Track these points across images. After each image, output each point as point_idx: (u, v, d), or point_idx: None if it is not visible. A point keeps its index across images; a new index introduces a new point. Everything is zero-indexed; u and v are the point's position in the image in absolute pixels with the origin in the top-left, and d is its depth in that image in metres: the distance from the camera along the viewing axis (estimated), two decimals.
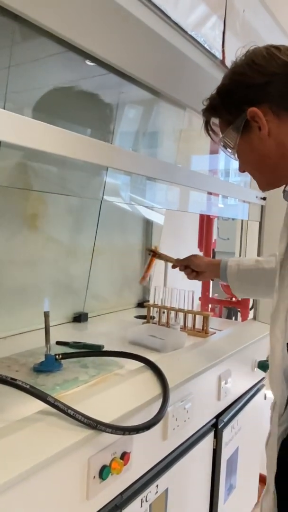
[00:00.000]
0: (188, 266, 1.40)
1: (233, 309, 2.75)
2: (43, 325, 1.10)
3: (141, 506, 1.00)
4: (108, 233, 1.86)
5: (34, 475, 0.69)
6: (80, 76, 1.28)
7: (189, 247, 2.15)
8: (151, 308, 1.72)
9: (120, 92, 1.44)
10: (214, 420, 1.36)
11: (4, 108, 0.74)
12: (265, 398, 1.80)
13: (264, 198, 1.83)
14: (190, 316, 1.62)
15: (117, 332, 1.55)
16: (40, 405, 0.81)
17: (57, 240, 1.63)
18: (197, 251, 2.24)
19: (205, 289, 2.20)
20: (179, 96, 1.25)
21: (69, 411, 0.78)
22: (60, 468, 0.75)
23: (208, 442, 1.33)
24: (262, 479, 1.94)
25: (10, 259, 1.44)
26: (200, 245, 2.30)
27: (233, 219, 3.47)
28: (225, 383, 1.38)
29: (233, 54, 1.25)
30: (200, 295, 2.20)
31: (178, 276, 1.87)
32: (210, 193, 1.74)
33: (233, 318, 2.77)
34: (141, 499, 1.00)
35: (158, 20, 1.05)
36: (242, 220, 2.18)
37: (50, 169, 1.42)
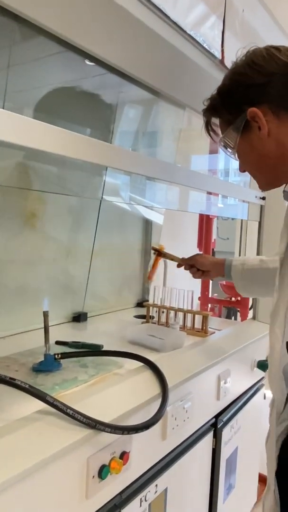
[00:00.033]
0: (193, 265, 1.42)
1: (232, 308, 2.75)
2: (43, 325, 1.10)
3: (140, 505, 1.00)
4: (108, 232, 1.86)
5: (33, 475, 0.69)
6: (79, 76, 1.28)
7: (188, 246, 2.15)
8: (151, 308, 1.72)
9: (119, 91, 1.44)
10: (214, 419, 1.37)
11: (3, 108, 0.74)
12: (264, 397, 1.80)
13: (263, 198, 1.83)
14: (189, 316, 1.62)
15: (116, 331, 1.55)
16: (39, 404, 0.81)
17: (56, 239, 1.63)
18: (196, 251, 2.24)
19: (204, 288, 2.20)
20: (178, 95, 1.25)
21: (68, 410, 0.78)
22: (59, 468, 0.75)
23: (207, 441, 1.33)
24: (261, 479, 1.94)
25: (9, 259, 1.44)
26: (199, 245, 2.30)
27: (232, 218, 3.48)
28: (225, 383, 1.38)
29: (232, 53, 1.25)
30: (199, 295, 2.20)
31: (177, 276, 1.88)
32: (209, 193, 1.74)
33: (233, 317, 2.78)
34: (140, 499, 1.00)
35: (157, 20, 1.05)
36: (242, 220, 2.18)
37: (50, 169, 1.42)
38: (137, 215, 2.09)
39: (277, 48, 0.85)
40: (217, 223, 3.65)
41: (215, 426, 1.37)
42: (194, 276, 1.44)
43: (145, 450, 1.00)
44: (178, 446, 1.16)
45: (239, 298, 2.23)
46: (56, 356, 1.11)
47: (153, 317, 1.73)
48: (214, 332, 1.60)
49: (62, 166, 1.43)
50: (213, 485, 1.39)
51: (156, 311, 1.70)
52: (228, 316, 2.80)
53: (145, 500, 1.02)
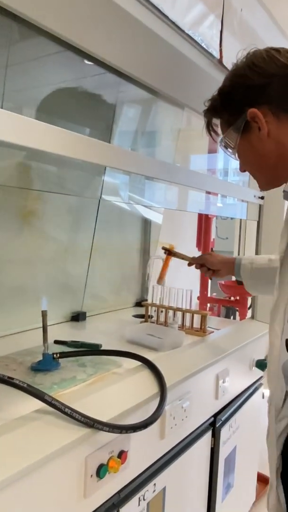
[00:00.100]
0: (204, 265, 1.43)
1: (231, 308, 2.76)
2: (41, 324, 1.10)
3: (139, 504, 1.00)
4: (107, 232, 1.86)
5: (32, 474, 0.69)
6: (78, 75, 1.28)
7: (187, 246, 2.15)
8: (149, 307, 1.72)
9: (118, 91, 1.44)
10: (212, 419, 1.37)
11: (2, 107, 0.74)
12: (263, 397, 1.80)
13: (262, 198, 1.83)
14: (188, 315, 1.62)
15: (115, 331, 1.55)
16: (38, 404, 0.81)
17: (55, 239, 1.63)
18: (195, 251, 2.24)
19: (203, 288, 2.20)
20: (176, 95, 1.25)
21: (66, 409, 0.78)
22: (57, 467, 0.75)
23: (206, 441, 1.33)
24: (260, 478, 1.95)
25: (8, 258, 1.44)
26: (198, 244, 2.30)
27: (231, 218, 3.48)
28: (223, 382, 1.38)
29: (231, 53, 1.26)
30: (198, 294, 2.20)
31: (176, 276, 1.88)
32: (208, 193, 1.74)
33: (232, 317, 2.78)
34: (139, 498, 1.00)
35: (156, 19, 1.06)
36: (241, 220, 2.18)
37: (48, 168, 1.42)
38: (136, 214, 2.09)
39: (277, 50, 0.86)
40: (216, 222, 3.66)
41: (214, 425, 1.37)
42: (205, 275, 1.48)
43: (143, 449, 1.00)
44: (177, 445, 1.16)
45: (238, 298, 2.24)
46: (54, 355, 1.11)
47: (152, 317, 1.73)
48: (212, 332, 1.60)
49: (60, 165, 1.43)
50: (211, 484, 1.40)
51: (155, 311, 1.70)
52: (227, 316, 2.80)
53: (144, 499, 1.02)
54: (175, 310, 1.64)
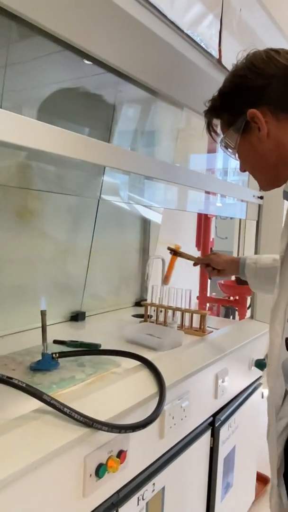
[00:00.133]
0: (209, 264, 1.45)
1: (230, 308, 2.76)
2: (40, 324, 1.10)
3: (138, 504, 1.01)
4: (106, 231, 1.86)
5: (31, 473, 0.69)
6: (77, 75, 1.28)
7: (187, 246, 2.15)
8: (149, 307, 1.72)
9: (117, 91, 1.44)
10: (211, 418, 1.37)
11: (1, 107, 0.74)
12: (262, 396, 1.80)
13: (261, 197, 1.83)
14: (187, 315, 1.62)
15: (114, 331, 1.55)
16: (36, 403, 0.81)
17: (54, 238, 1.63)
18: (195, 250, 2.24)
19: (203, 288, 2.21)
20: (176, 95, 1.25)
21: (65, 409, 0.78)
22: (56, 466, 0.75)
23: (205, 440, 1.33)
24: (259, 478, 1.95)
25: (7, 258, 1.44)
26: (198, 244, 2.30)
27: (231, 218, 3.48)
28: (222, 382, 1.38)
29: (230, 53, 1.26)
30: (198, 294, 2.20)
31: (175, 275, 1.88)
32: (208, 192, 1.74)
33: (231, 317, 2.78)
34: (138, 497, 1.00)
35: (154, 19, 1.06)
36: (240, 219, 2.18)
37: (48, 168, 1.43)
38: (136, 214, 2.09)
39: (276, 51, 0.87)
40: (216, 222, 3.66)
41: (213, 425, 1.37)
42: (210, 275, 1.48)
43: (142, 449, 1.00)
44: (176, 444, 1.16)
45: (237, 297, 2.24)
46: (53, 355, 1.11)
47: (151, 316, 1.73)
48: (212, 331, 1.60)
49: (60, 165, 1.43)
50: (210, 483, 1.40)
51: (154, 310, 1.70)
52: (226, 315, 2.80)
53: (143, 499, 1.02)
54: (175, 309, 1.64)
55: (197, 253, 2.19)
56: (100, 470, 0.83)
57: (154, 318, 1.70)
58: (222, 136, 0.97)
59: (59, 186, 1.50)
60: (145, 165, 1.18)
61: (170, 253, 1.57)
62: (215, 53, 1.28)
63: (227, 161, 2.10)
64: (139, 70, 1.08)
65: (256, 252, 1.89)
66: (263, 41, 1.48)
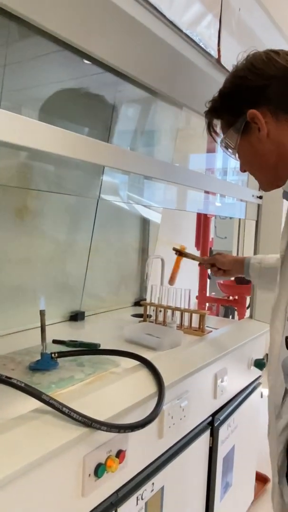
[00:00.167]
0: (214, 265, 1.46)
1: (230, 307, 2.76)
2: (40, 324, 1.10)
3: (137, 504, 1.01)
4: (105, 231, 1.86)
5: (29, 473, 0.69)
6: (76, 75, 1.28)
7: (186, 245, 2.15)
8: (148, 307, 1.72)
9: (117, 90, 1.44)
10: (210, 418, 1.37)
11: (0, 107, 0.74)
12: (261, 396, 1.80)
13: (260, 197, 1.83)
14: (186, 315, 1.62)
15: (113, 330, 1.55)
16: (35, 403, 0.81)
17: (54, 238, 1.63)
18: (194, 250, 2.25)
19: (202, 287, 2.21)
20: (175, 94, 1.25)
21: (64, 409, 0.78)
22: (55, 466, 0.75)
23: (204, 440, 1.33)
24: (259, 477, 1.95)
25: (6, 258, 1.44)
26: (197, 244, 2.31)
27: (230, 218, 3.48)
28: (221, 381, 1.39)
29: (229, 52, 1.26)
30: (197, 294, 2.20)
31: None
32: (207, 192, 1.74)
33: (230, 316, 2.79)
34: (137, 497, 1.00)
35: (153, 19, 1.06)
36: (240, 219, 2.19)
37: (47, 168, 1.43)
38: (135, 213, 2.09)
39: (276, 52, 0.88)
40: (215, 222, 3.66)
41: (212, 424, 1.37)
42: (216, 275, 1.49)
43: (141, 449, 1.00)
44: (175, 444, 1.16)
45: (236, 297, 2.24)
46: (52, 355, 1.10)
47: (150, 316, 1.73)
48: (211, 331, 1.60)
49: (59, 165, 1.43)
50: (210, 483, 1.40)
51: (153, 310, 1.70)
52: (225, 315, 2.80)
53: (142, 499, 1.02)
54: (174, 309, 1.64)
55: (196, 253, 2.19)
56: (99, 470, 0.83)
57: (153, 317, 1.70)
58: (222, 136, 0.98)
59: (58, 186, 1.50)
60: (144, 165, 1.18)
61: (176, 253, 1.58)
62: (214, 53, 1.28)
63: (227, 161, 2.10)
64: (138, 69, 1.08)
65: (255, 252, 1.89)
66: (262, 40, 1.48)
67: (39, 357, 1.10)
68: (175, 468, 1.16)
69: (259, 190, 1.79)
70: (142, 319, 1.75)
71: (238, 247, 3.06)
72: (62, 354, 1.13)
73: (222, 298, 2.44)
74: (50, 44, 0.92)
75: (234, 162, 1.05)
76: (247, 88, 0.89)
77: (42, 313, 1.09)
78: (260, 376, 1.77)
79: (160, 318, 1.67)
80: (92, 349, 1.27)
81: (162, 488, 1.11)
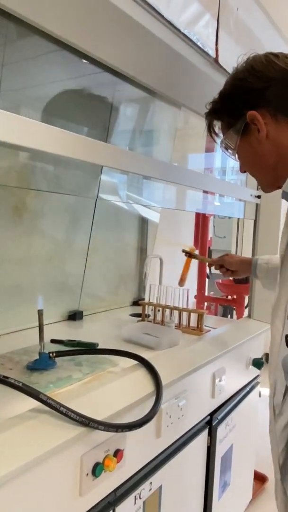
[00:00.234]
0: (223, 265, 1.49)
1: (228, 307, 2.76)
2: (38, 323, 1.10)
3: (135, 503, 1.01)
4: (103, 231, 1.86)
5: (27, 473, 0.69)
6: (74, 74, 1.28)
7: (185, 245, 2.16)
8: (146, 306, 1.72)
9: (115, 90, 1.44)
10: (209, 417, 1.37)
11: None
12: (259, 395, 1.80)
13: (259, 197, 1.83)
14: (185, 314, 1.62)
15: (112, 330, 1.55)
16: (33, 403, 0.81)
17: (52, 238, 1.63)
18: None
19: (200, 287, 2.21)
20: (173, 94, 1.25)
21: (62, 408, 0.78)
22: (53, 466, 0.75)
23: (202, 439, 1.34)
24: (257, 476, 1.96)
25: (4, 257, 1.44)
26: (196, 243, 2.31)
27: (229, 217, 3.49)
28: (220, 381, 1.39)
29: (227, 52, 1.26)
30: (195, 293, 2.21)
31: (173, 275, 1.88)
32: (205, 192, 1.75)
33: (228, 316, 2.79)
34: (135, 496, 1.00)
35: (151, 19, 1.06)
36: (238, 218, 2.19)
37: (45, 168, 1.43)
38: (133, 213, 2.09)
39: (275, 55, 0.89)
40: (214, 221, 3.67)
41: (210, 423, 1.38)
42: (224, 275, 1.52)
43: (139, 448, 1.00)
44: (173, 443, 1.17)
45: (235, 297, 2.24)
46: (50, 354, 1.11)
47: (148, 316, 1.73)
48: (209, 330, 1.61)
49: (58, 165, 1.43)
50: (208, 482, 1.40)
51: (152, 310, 1.70)
52: (224, 314, 2.81)
53: (140, 498, 1.02)
54: (172, 309, 1.64)
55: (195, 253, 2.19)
56: (97, 469, 0.83)
57: (151, 317, 1.70)
58: (222, 137, 0.99)
59: (57, 185, 1.50)
60: (143, 164, 1.18)
61: (185, 255, 1.59)
62: (212, 53, 1.28)
63: (225, 160, 2.10)
64: (136, 69, 1.08)
65: (253, 251, 1.89)
66: (260, 40, 1.48)
67: (37, 357, 1.10)
68: (173, 467, 1.16)
69: (257, 190, 1.79)
70: (140, 318, 1.75)
71: (237, 246, 3.06)
72: (60, 354, 1.13)
73: (220, 297, 2.44)
74: (48, 44, 0.92)
75: (232, 162, 1.05)
76: (247, 90, 0.90)
77: (40, 312, 1.09)
78: (258, 376, 1.77)
79: (159, 318, 1.67)
80: (90, 349, 1.27)
81: (160, 487, 1.11)
